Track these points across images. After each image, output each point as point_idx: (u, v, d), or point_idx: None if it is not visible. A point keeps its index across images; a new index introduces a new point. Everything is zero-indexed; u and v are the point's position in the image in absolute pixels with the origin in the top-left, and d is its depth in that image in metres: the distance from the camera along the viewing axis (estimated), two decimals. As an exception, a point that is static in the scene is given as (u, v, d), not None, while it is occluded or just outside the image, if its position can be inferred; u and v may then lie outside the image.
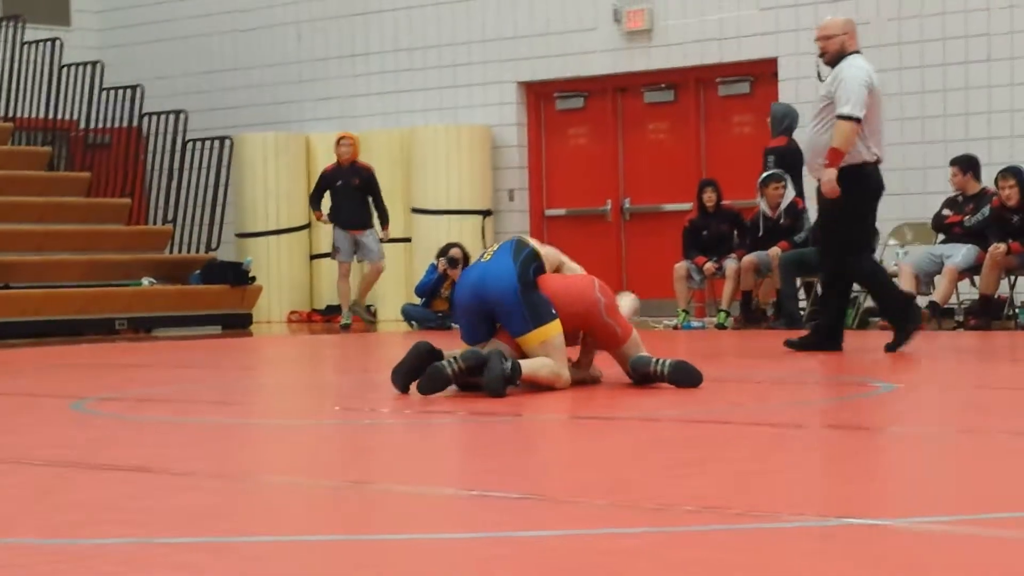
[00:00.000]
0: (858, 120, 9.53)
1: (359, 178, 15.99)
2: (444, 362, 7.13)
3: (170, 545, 3.60)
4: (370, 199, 16.01)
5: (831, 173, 9.57)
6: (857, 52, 9.83)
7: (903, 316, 10.00)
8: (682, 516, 3.84)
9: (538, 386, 7.28)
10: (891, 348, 9.92)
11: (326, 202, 16.20)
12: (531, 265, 7.43)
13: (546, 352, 7.28)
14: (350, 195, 15.96)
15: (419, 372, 7.28)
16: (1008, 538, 3.47)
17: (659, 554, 3.38)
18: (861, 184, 9.67)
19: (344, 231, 16.00)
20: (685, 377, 7.35)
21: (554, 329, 7.29)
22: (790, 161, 14.18)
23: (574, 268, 7.82)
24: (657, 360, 7.39)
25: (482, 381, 7.05)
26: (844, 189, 9.58)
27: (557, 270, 7.70)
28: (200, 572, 3.31)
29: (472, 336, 7.47)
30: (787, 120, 14.56)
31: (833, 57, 9.75)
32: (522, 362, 7.19)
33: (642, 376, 7.41)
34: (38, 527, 3.91)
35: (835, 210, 9.70)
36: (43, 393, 8.49)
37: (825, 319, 10.19)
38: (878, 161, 9.83)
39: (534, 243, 7.68)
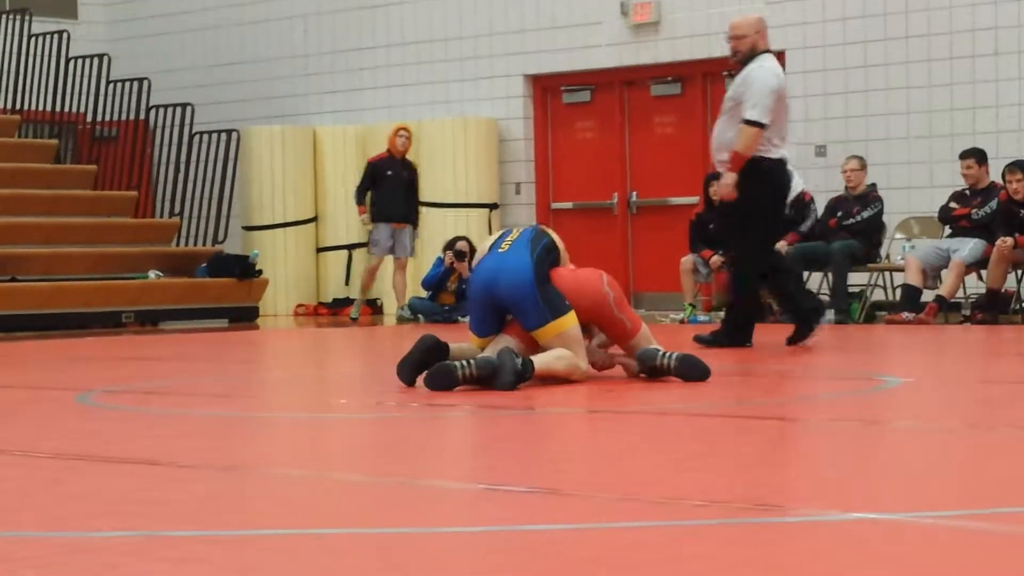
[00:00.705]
0: (763, 126, 9.52)
1: (407, 172, 15.85)
2: (457, 363, 7.11)
3: (176, 537, 3.59)
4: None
5: (730, 177, 9.59)
6: (767, 51, 9.81)
7: (807, 311, 9.96)
8: (689, 510, 3.83)
9: (555, 379, 7.26)
10: (792, 342, 9.93)
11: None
12: (548, 258, 7.43)
13: (563, 344, 7.28)
14: (399, 188, 15.72)
15: (425, 366, 7.27)
16: (1015, 533, 3.47)
17: (666, 548, 3.37)
18: (765, 182, 9.67)
19: (387, 224, 15.67)
20: (692, 370, 7.34)
21: (570, 321, 7.30)
22: None
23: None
24: (664, 353, 7.39)
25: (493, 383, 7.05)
26: (749, 187, 9.59)
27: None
28: (206, 564, 3.31)
29: (481, 328, 7.47)
30: None
31: (744, 57, 9.72)
32: (535, 357, 7.18)
33: (649, 369, 7.41)
34: (44, 519, 3.91)
35: (739, 207, 9.69)
36: (49, 386, 8.50)
37: (734, 313, 10.09)
38: (784, 161, 9.80)
39: (553, 234, 7.66)
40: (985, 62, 14.66)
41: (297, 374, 9.62)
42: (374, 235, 15.75)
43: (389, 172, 15.68)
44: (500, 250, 7.50)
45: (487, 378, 7.05)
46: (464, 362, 7.11)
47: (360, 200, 15.78)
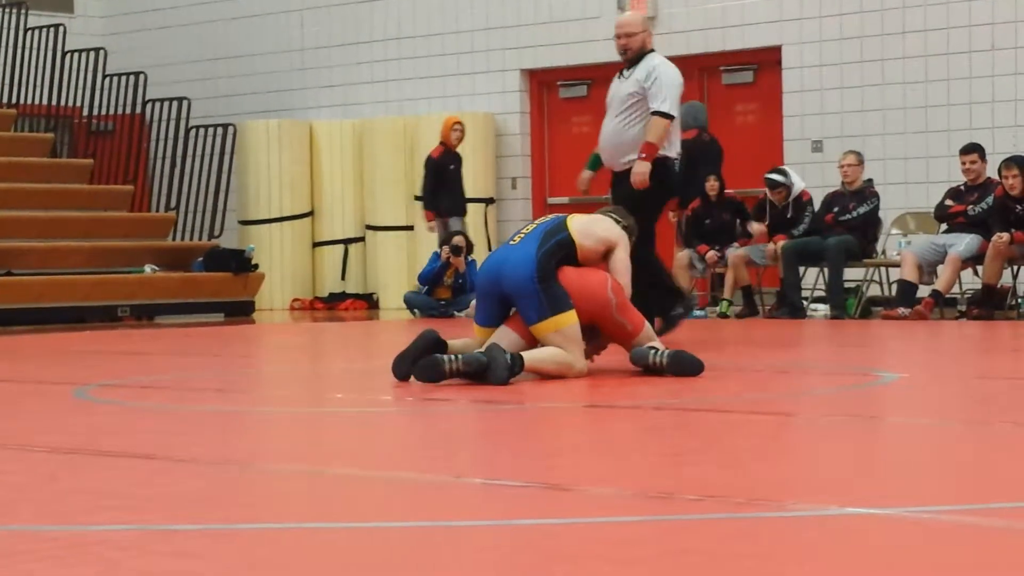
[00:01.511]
0: (672, 118, 9.59)
1: (456, 164, 15.69)
2: (444, 357, 7.14)
3: (173, 532, 3.60)
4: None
5: (646, 166, 9.57)
6: (652, 50, 9.87)
7: (672, 305, 9.96)
8: (685, 504, 3.84)
9: (547, 376, 7.28)
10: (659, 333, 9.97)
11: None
12: (558, 254, 7.43)
13: (560, 341, 7.29)
14: (456, 181, 15.58)
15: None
16: (1010, 528, 3.47)
17: (662, 542, 3.38)
18: (664, 178, 9.72)
19: (459, 218, 15.51)
20: (684, 367, 7.36)
21: (569, 319, 7.31)
22: (697, 154, 14.39)
23: (621, 259, 7.72)
24: (656, 351, 7.41)
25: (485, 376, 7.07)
26: (650, 181, 9.64)
27: (607, 255, 7.64)
28: (202, 559, 3.31)
29: (486, 319, 7.50)
30: (693, 113, 14.78)
31: (636, 54, 9.76)
32: (525, 354, 7.21)
33: (643, 368, 7.44)
34: (41, 513, 3.91)
35: (636, 201, 9.70)
36: (46, 380, 8.50)
37: (651, 301, 10.08)
38: (678, 159, 9.88)
39: (579, 226, 7.60)
40: (981, 58, 14.67)
41: (293, 369, 9.63)
42: (452, 230, 15.39)
43: (452, 166, 15.55)
44: (512, 242, 7.55)
45: (474, 373, 7.07)
46: (452, 356, 7.14)
47: (431, 205, 15.51)
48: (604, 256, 7.66)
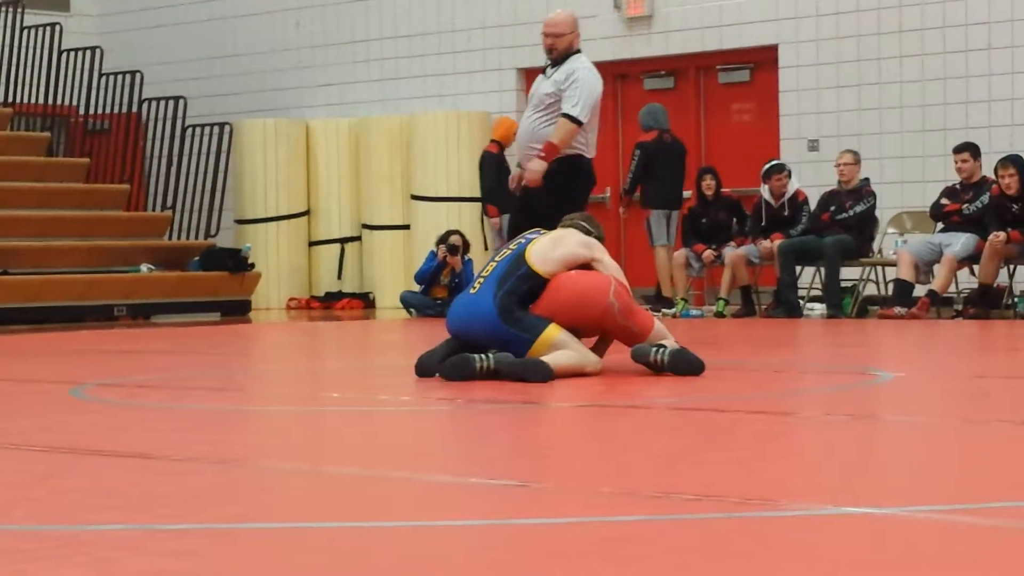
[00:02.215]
0: (581, 124, 9.55)
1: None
2: (475, 356, 7.18)
3: (170, 531, 3.60)
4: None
5: (541, 164, 9.52)
6: (579, 51, 9.89)
7: None
8: (682, 504, 3.84)
9: (567, 375, 7.29)
10: None
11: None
12: (517, 292, 7.38)
13: (561, 348, 7.29)
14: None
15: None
16: (1008, 527, 3.48)
17: (659, 541, 3.38)
18: (578, 175, 9.73)
19: (503, 216, 15.24)
20: (685, 365, 7.35)
21: (553, 332, 7.31)
22: (658, 155, 14.42)
23: (607, 264, 7.72)
24: (657, 349, 7.40)
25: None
26: (562, 179, 9.65)
27: (586, 266, 7.63)
28: (200, 558, 3.31)
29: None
30: (653, 114, 14.86)
31: (561, 54, 9.75)
32: (546, 358, 7.22)
33: (644, 366, 7.43)
34: (37, 512, 3.91)
35: (547, 198, 9.72)
36: (42, 379, 8.49)
37: None
38: (592, 162, 9.91)
39: (538, 253, 7.57)
40: (978, 56, 14.68)
41: (290, 368, 9.62)
42: (505, 228, 15.26)
43: (506, 163, 15.33)
44: (471, 291, 7.53)
45: (507, 373, 7.12)
46: (484, 356, 7.18)
47: (497, 199, 15.35)
48: (586, 266, 7.63)
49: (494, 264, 7.59)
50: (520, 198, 9.73)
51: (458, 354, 7.32)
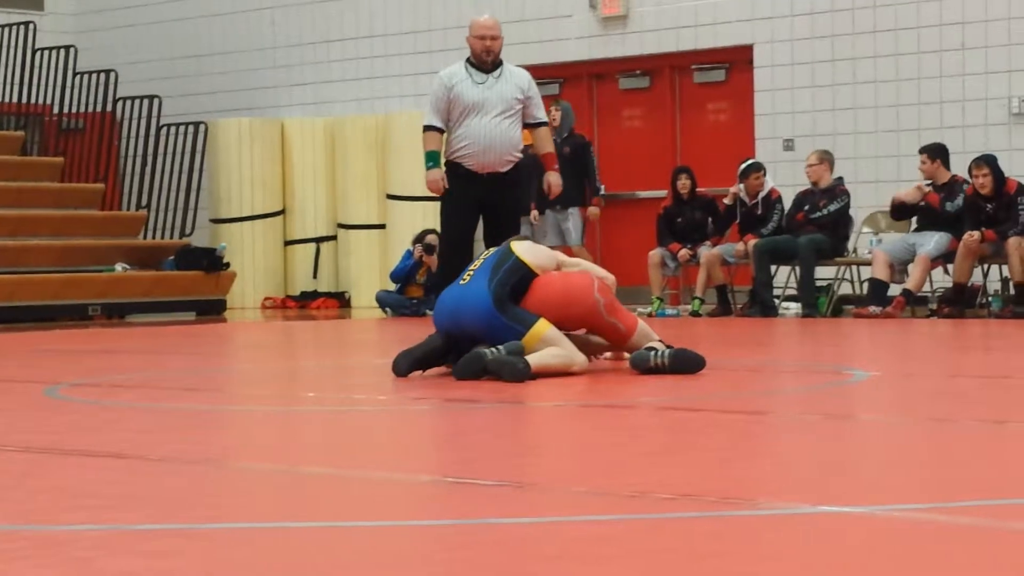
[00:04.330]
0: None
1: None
2: (485, 350, 7.17)
3: (147, 531, 3.59)
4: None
5: (559, 176, 9.91)
6: None
7: None
8: (658, 503, 3.84)
9: (554, 374, 7.29)
10: None
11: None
12: (511, 279, 7.41)
13: (548, 345, 7.28)
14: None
15: (426, 364, 7.35)
16: (979, 526, 3.49)
17: (636, 541, 3.38)
18: (529, 183, 9.99)
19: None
20: (687, 364, 7.36)
21: (544, 326, 7.31)
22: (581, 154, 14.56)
23: (579, 265, 7.78)
24: (657, 353, 7.39)
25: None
26: (524, 187, 9.87)
27: (557, 269, 7.69)
28: (175, 558, 3.30)
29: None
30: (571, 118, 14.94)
31: (497, 56, 9.86)
32: (529, 357, 7.20)
33: (645, 371, 7.39)
34: (12, 513, 3.90)
35: (517, 207, 9.97)
36: (16, 378, 8.47)
37: None
38: None
39: (523, 249, 7.61)
40: (952, 57, 14.72)
41: (265, 367, 9.61)
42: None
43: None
44: (462, 282, 7.53)
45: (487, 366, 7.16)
46: (493, 348, 7.19)
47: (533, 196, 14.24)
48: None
49: (480, 261, 7.61)
50: (511, 207, 9.87)
51: (441, 349, 7.32)
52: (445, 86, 9.78)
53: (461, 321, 7.40)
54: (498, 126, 9.67)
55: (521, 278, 7.45)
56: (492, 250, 7.75)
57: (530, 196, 10.25)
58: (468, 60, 9.79)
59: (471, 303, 7.37)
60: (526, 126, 9.69)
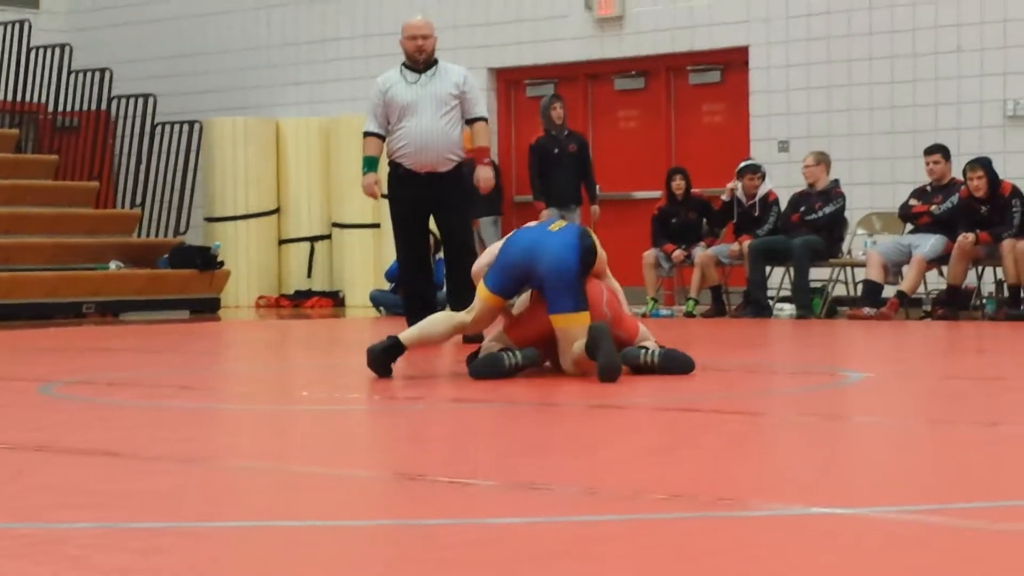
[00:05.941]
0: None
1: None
2: (504, 354, 7.24)
3: (140, 529, 3.59)
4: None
5: (490, 171, 10.08)
6: None
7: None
8: (652, 503, 3.84)
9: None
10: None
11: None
12: (589, 257, 7.42)
13: (574, 337, 7.26)
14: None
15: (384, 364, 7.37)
16: (974, 528, 3.49)
17: (630, 541, 3.38)
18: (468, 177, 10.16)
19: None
20: (675, 364, 7.36)
21: (587, 319, 7.30)
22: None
23: (611, 279, 7.77)
24: (647, 351, 7.40)
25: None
26: (468, 184, 10.05)
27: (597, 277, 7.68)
28: (170, 556, 3.30)
29: (500, 288, 7.43)
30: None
31: (430, 56, 9.90)
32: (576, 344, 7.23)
33: (633, 368, 7.41)
34: (5, 510, 3.89)
35: (465, 203, 10.10)
36: (10, 376, 8.46)
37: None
38: None
39: (598, 243, 7.63)
40: (947, 59, 14.73)
41: (259, 366, 9.60)
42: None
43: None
44: (549, 228, 7.50)
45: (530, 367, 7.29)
46: (511, 353, 7.24)
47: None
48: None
49: (562, 222, 7.62)
50: (457, 207, 9.92)
51: (391, 359, 7.36)
52: (380, 91, 10.02)
53: (540, 260, 7.30)
54: (435, 125, 9.77)
55: (590, 262, 7.43)
56: (565, 222, 7.71)
57: (480, 196, 10.38)
58: (403, 63, 9.98)
59: (557, 250, 7.29)
60: (466, 123, 9.84)
